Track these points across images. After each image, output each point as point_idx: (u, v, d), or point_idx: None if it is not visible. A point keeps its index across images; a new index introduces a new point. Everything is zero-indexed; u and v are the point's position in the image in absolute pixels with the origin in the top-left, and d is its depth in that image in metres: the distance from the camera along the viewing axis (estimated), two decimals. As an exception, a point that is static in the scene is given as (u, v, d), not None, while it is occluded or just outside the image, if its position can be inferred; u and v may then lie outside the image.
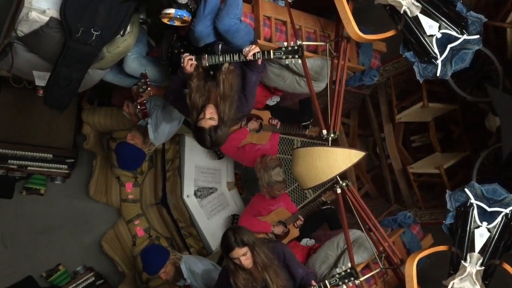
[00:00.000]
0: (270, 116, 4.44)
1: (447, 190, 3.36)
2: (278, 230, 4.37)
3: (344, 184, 3.19)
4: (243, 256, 3.26)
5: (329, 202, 4.50)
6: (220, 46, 3.41)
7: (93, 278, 4.72)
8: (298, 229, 4.42)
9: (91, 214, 4.97)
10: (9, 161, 4.48)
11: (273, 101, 4.46)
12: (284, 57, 3.25)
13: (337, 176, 3.09)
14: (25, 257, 4.62)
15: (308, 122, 4.72)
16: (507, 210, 3.16)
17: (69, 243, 4.86)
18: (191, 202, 4.56)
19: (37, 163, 4.61)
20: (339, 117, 3.21)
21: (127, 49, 3.48)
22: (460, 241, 3.21)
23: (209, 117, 3.13)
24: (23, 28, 3.15)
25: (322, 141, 4.17)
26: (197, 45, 3.43)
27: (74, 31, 3.11)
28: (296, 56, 3.24)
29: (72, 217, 4.90)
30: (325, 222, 4.74)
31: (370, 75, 4.15)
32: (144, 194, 4.89)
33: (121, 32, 3.29)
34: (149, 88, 3.69)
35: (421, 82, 3.36)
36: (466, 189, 3.26)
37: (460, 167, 5.12)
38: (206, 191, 4.69)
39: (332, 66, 3.57)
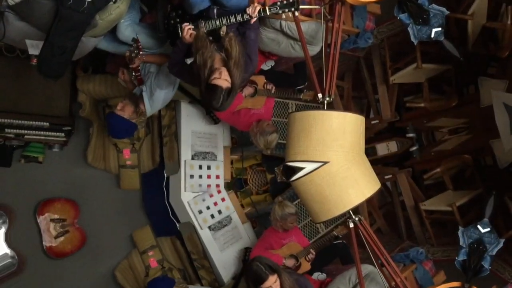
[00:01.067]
0: (265, 80, 4.42)
1: (460, 227, 3.39)
2: (290, 263, 4.38)
3: (356, 218, 3.18)
4: (275, 283, 3.30)
5: (341, 236, 4.52)
6: (215, 10, 3.37)
7: None
8: (309, 263, 4.44)
9: (90, 181, 4.97)
10: (6, 130, 4.46)
11: (267, 65, 4.43)
12: (280, 11, 3.21)
13: (350, 211, 3.08)
14: (40, 285, 4.63)
15: (303, 86, 4.71)
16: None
17: (83, 272, 4.86)
18: (205, 234, 4.65)
19: (34, 132, 4.58)
20: (334, 81, 3.19)
21: (120, 16, 3.43)
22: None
23: (225, 79, 3.12)
24: (13, -4, 3.08)
25: (317, 104, 4.19)
26: (192, 13, 3.38)
27: (66, -1, 3.05)
28: (293, 9, 3.21)
29: (71, 184, 4.90)
30: (337, 257, 4.78)
31: (364, 37, 4.13)
32: (142, 160, 4.90)
33: (113, -1, 3.23)
34: (141, 53, 3.64)
35: (415, 44, 3.35)
36: (478, 226, 3.29)
37: (472, 204, 5.15)
38: (219, 223, 4.74)
39: (326, 30, 3.54)
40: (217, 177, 4.80)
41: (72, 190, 4.88)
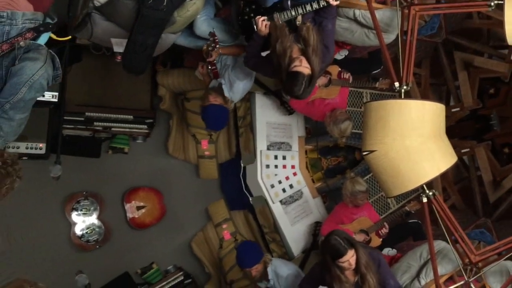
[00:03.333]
0: (339, 70, 4.33)
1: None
2: (360, 238, 4.32)
3: (430, 193, 3.05)
4: (352, 257, 3.27)
5: (413, 211, 4.39)
6: (289, 1, 3.34)
7: (182, 277, 4.88)
8: (380, 239, 4.35)
9: (171, 171, 5.14)
10: (95, 123, 4.69)
11: (341, 55, 4.34)
12: None
13: (424, 185, 2.96)
14: (122, 253, 4.86)
15: (378, 70, 4.56)
16: None
17: (162, 243, 5.06)
18: (276, 208, 4.67)
19: (119, 124, 4.78)
20: (411, 68, 3.06)
21: (196, 12, 3.51)
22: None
23: (306, 66, 3.11)
24: (100, -2, 3.23)
25: (392, 93, 4.06)
26: (266, 6, 3.38)
27: (146, -2, 3.15)
28: None
29: (154, 173, 5.10)
30: (410, 235, 4.66)
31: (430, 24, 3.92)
32: (219, 150, 5.00)
33: (190, -4, 3.30)
34: (217, 46, 3.69)
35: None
36: None
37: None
38: (290, 198, 4.73)
39: (402, 16, 3.39)
40: (292, 167, 4.80)
41: (155, 179, 5.07)
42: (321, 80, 4.27)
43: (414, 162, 2.86)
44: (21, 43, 2.16)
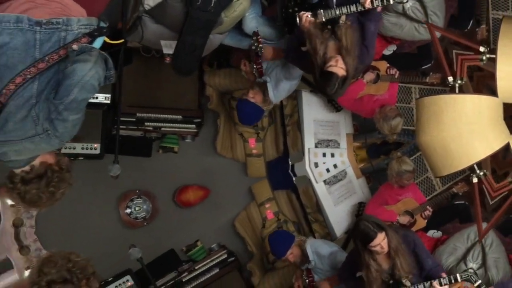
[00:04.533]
0: (387, 65, 4.23)
1: None
2: (404, 219, 4.22)
3: (481, 173, 2.92)
4: (383, 241, 3.22)
5: (460, 193, 4.22)
6: (334, 0, 3.28)
7: (226, 255, 4.91)
8: (425, 220, 4.24)
9: (220, 169, 5.18)
10: (146, 123, 4.78)
11: (389, 50, 4.26)
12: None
13: (474, 165, 2.84)
14: (168, 231, 4.97)
15: (429, 65, 4.42)
16: None
17: (206, 221, 5.11)
18: (320, 188, 4.61)
19: (169, 124, 4.86)
20: (466, 62, 2.94)
21: (243, 12, 3.53)
22: None
23: (341, 67, 3.06)
24: (149, 2, 3.29)
25: (443, 88, 3.92)
26: (311, 2, 3.33)
27: (195, 0, 3.17)
28: None
29: (204, 172, 5.15)
30: (456, 217, 4.47)
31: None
32: (266, 148, 4.99)
33: (237, -4, 3.31)
34: (261, 45, 3.70)
35: None
36: None
37: None
38: (334, 178, 4.67)
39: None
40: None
41: (204, 177, 5.12)
42: (369, 76, 4.18)
43: (466, 142, 2.74)
44: (74, 47, 2.20)
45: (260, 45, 3.68)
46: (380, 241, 3.23)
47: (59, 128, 2.21)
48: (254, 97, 4.06)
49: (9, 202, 4.62)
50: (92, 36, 2.28)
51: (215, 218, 5.13)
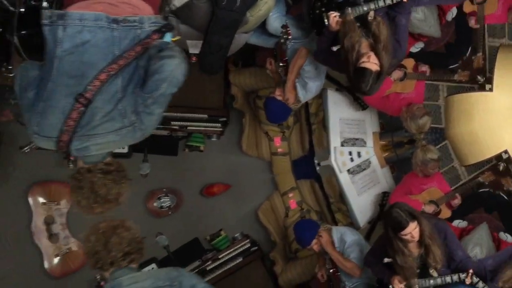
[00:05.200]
0: (414, 63, 4.15)
1: None
2: (429, 209, 4.12)
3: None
4: (415, 230, 3.18)
5: (486, 183, 4.13)
6: None
7: (249, 245, 4.93)
8: (450, 210, 4.15)
9: (245, 168, 5.20)
10: (172, 122, 4.83)
11: (416, 48, 4.19)
12: None
13: (503, 153, 2.77)
14: (192, 220, 5.02)
15: (456, 65, 4.32)
16: None
17: (230, 211, 5.16)
18: (343, 177, 4.54)
19: (195, 123, 4.90)
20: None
21: (268, 11, 3.52)
22: None
23: (374, 62, 3.03)
24: (175, 2, 3.29)
25: (471, 85, 3.83)
26: (338, 0, 3.30)
27: (220, 0, 3.18)
28: None
29: (229, 170, 5.18)
30: (481, 206, 4.38)
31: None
32: (292, 147, 4.97)
33: (262, -5, 3.30)
34: (290, 37, 3.68)
35: None
36: None
37: None
38: (357, 167, 4.60)
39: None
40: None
41: (229, 176, 5.15)
42: (396, 74, 4.11)
43: (494, 133, 2.67)
44: (154, 43, 2.30)
45: (290, 37, 3.67)
46: (412, 230, 3.19)
47: (145, 121, 2.30)
48: (281, 95, 4.04)
49: (41, 200, 4.73)
50: (161, 32, 2.36)
51: (238, 207, 5.18)
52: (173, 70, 2.25)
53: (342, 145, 4.58)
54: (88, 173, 2.37)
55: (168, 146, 5.08)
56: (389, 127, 4.80)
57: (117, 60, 2.26)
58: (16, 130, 4.58)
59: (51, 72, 2.26)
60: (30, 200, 4.71)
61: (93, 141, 2.29)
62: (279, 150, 4.97)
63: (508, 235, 4.07)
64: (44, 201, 4.72)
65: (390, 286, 3.40)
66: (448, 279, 3.26)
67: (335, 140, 4.53)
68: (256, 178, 5.20)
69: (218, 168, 5.14)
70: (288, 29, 3.65)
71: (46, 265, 4.71)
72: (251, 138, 5.08)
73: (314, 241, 4.00)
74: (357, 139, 4.64)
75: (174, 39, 2.64)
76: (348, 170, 4.56)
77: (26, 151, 4.15)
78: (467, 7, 4.00)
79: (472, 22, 3.97)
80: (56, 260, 4.73)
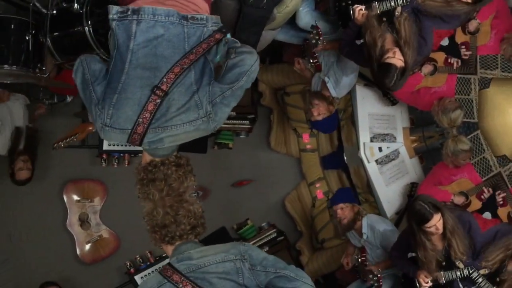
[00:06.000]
0: (447, 56, 4.04)
1: None
2: (459, 200, 4.02)
3: None
4: (439, 222, 3.12)
5: None
6: None
7: (275, 234, 4.95)
8: (481, 202, 4.03)
9: (273, 164, 5.20)
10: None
11: (446, 41, 4.04)
12: None
13: None
14: (220, 210, 5.02)
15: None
16: None
17: (257, 201, 5.17)
18: (371, 168, 4.47)
19: (224, 121, 4.91)
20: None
21: (296, 7, 3.51)
22: None
23: (399, 58, 2.98)
24: (203, 0, 3.30)
25: (507, 74, 3.71)
26: (365, -7, 3.24)
27: (247, -3, 3.17)
28: None
29: (258, 167, 5.19)
30: None
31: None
32: (320, 143, 4.93)
33: (289, -8, 3.27)
34: (321, 38, 3.66)
35: None
36: None
37: None
38: (385, 158, 4.52)
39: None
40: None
41: (258, 172, 5.16)
42: (426, 69, 4.02)
43: None
44: (226, 39, 2.39)
45: (321, 38, 3.65)
46: (436, 222, 3.14)
47: (219, 112, 2.32)
48: (319, 114, 4.05)
49: (75, 197, 4.83)
50: (222, 33, 2.42)
51: (265, 197, 5.19)
52: (253, 65, 2.33)
53: (371, 141, 4.51)
54: (162, 166, 2.34)
55: (197, 144, 5.07)
56: (420, 122, 4.70)
57: (188, 55, 2.31)
58: (51, 128, 4.69)
59: (124, 65, 2.29)
60: (65, 197, 4.82)
61: (168, 133, 2.29)
62: (308, 146, 4.94)
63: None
64: (78, 198, 4.82)
65: (416, 281, 3.36)
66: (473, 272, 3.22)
67: (364, 136, 4.46)
68: (284, 173, 5.18)
69: (246, 165, 5.15)
70: (319, 29, 3.63)
71: (78, 251, 4.83)
72: (280, 135, 5.06)
73: (342, 205, 3.99)
74: (387, 134, 4.55)
75: None
76: (376, 161, 4.48)
77: (56, 148, 4.25)
78: (459, 38, 3.96)
79: (463, 51, 3.96)
80: (87, 246, 4.84)
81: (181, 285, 2.18)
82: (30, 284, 4.49)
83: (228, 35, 2.47)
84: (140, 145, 2.32)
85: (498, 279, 3.21)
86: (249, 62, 2.31)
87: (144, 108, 2.24)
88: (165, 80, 2.25)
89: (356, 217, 4.01)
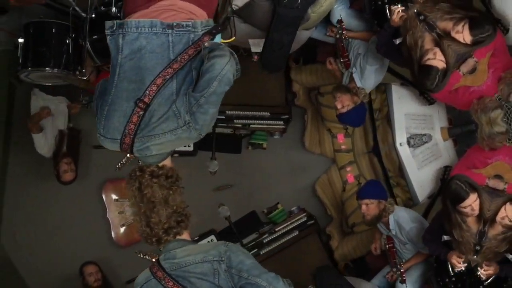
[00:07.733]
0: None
1: None
2: (494, 183, 3.80)
3: None
4: (475, 202, 3.00)
5: None
6: None
7: (305, 218, 4.86)
8: None
9: (308, 164, 5.14)
10: (235, 121, 4.85)
11: (487, 38, 3.88)
12: None
13: None
14: (250, 194, 5.09)
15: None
16: None
17: (288, 186, 5.15)
18: (404, 151, 4.34)
19: (257, 121, 4.90)
20: None
21: (330, 6, 3.47)
22: None
23: (440, 59, 2.89)
24: (237, 2, 3.32)
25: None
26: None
27: (281, -2, 3.15)
28: None
29: (292, 167, 5.16)
30: None
31: None
32: (355, 144, 4.84)
33: (324, -9, 3.23)
34: (344, 32, 3.65)
35: None
36: None
37: None
38: (419, 140, 4.39)
39: None
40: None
41: (293, 173, 5.13)
42: (466, 67, 3.87)
43: None
44: (206, 44, 2.35)
45: (344, 32, 3.63)
46: (472, 202, 3.05)
47: (199, 121, 2.33)
48: (343, 106, 3.99)
49: (114, 197, 4.91)
50: (211, 34, 2.41)
51: (295, 181, 5.16)
52: (223, 69, 2.27)
53: (408, 143, 4.39)
54: (139, 172, 2.45)
55: (232, 144, 5.12)
56: (458, 121, 4.55)
57: (171, 64, 2.33)
58: (90, 127, 4.80)
59: (114, 78, 2.37)
60: (104, 196, 4.92)
61: (153, 142, 2.36)
62: (343, 147, 4.86)
63: None
64: (117, 197, 4.91)
65: (449, 264, 3.27)
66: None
67: (400, 136, 4.35)
68: (317, 173, 5.12)
69: (281, 165, 5.13)
70: (342, 24, 3.61)
71: (113, 234, 4.93)
72: (314, 135, 5.02)
73: (368, 201, 3.91)
74: (424, 134, 4.43)
75: (228, 40, 2.68)
76: (409, 143, 4.35)
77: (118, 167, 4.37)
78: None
79: None
80: (122, 229, 4.92)
81: (163, 282, 2.30)
82: (72, 265, 4.78)
83: (218, 37, 2.46)
84: (131, 153, 2.43)
85: None
86: (218, 67, 2.26)
87: (129, 120, 2.33)
88: (147, 92, 2.31)
89: (381, 214, 3.91)
